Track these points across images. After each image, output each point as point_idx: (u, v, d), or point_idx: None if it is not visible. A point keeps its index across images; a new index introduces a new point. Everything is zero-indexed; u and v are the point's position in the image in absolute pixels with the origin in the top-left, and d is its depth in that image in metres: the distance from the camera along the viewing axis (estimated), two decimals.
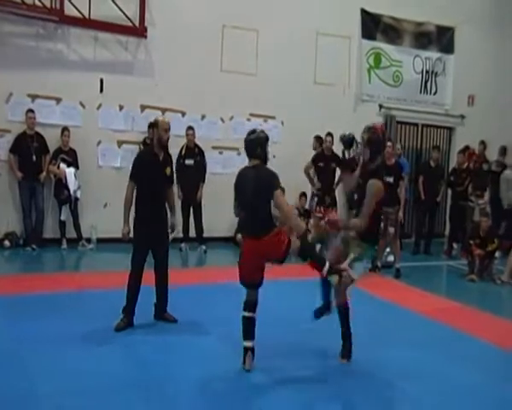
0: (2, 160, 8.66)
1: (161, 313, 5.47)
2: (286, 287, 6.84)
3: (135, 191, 5.20)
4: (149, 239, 5.21)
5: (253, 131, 4.44)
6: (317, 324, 4.92)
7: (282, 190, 4.39)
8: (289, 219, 4.45)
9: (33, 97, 8.77)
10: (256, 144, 4.38)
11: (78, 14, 8.75)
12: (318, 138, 9.76)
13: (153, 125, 5.38)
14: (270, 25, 10.19)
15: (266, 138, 4.42)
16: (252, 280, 4.43)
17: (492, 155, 11.75)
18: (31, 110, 8.65)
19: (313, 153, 9.29)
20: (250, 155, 4.42)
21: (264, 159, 4.42)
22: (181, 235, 9.36)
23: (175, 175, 8.64)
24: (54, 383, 3.99)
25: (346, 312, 4.71)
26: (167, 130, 5.25)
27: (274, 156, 10.07)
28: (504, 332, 5.96)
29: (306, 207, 10.31)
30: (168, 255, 5.44)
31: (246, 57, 10.13)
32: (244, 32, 10.03)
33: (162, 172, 5.28)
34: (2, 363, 4.24)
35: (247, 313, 4.43)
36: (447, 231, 11.18)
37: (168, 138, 5.28)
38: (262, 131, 4.47)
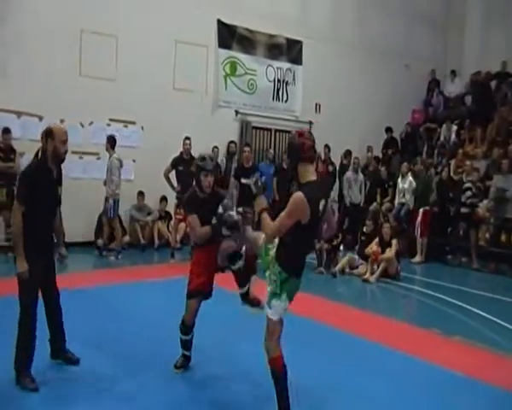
0: None
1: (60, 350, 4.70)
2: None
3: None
4: (42, 271, 4.31)
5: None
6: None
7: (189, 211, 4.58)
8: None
9: None
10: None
11: None
12: None
13: (47, 135, 4.27)
14: (129, 31, 10.36)
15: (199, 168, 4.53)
16: (211, 289, 4.61)
17: (336, 157, 12.87)
18: None
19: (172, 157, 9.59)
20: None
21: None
22: None
23: None
24: None
25: (282, 376, 3.65)
26: (65, 141, 4.34)
27: (134, 161, 10.52)
28: (343, 315, 6.81)
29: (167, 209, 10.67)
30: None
31: (105, 62, 10.19)
32: (103, 37, 10.09)
33: (55, 192, 4.49)
34: None
35: (187, 337, 4.67)
36: None
37: (66, 151, 4.37)
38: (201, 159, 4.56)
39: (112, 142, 9.37)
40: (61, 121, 8.51)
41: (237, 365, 4.90)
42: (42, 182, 4.23)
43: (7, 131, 8.94)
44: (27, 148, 9.27)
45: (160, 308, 6.43)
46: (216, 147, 11.63)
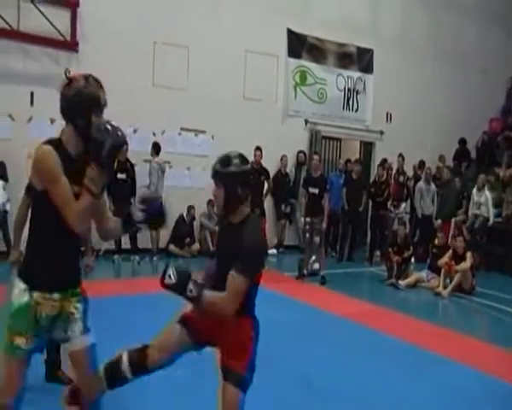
0: None
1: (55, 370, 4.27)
2: None
3: None
4: None
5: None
6: None
7: None
8: None
9: None
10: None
11: (6, 26, 8.75)
12: None
13: None
14: (200, 41, 10.52)
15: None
16: None
17: (408, 168, 12.54)
18: None
19: None
20: None
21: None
22: (113, 247, 9.51)
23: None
24: None
25: None
26: None
27: (203, 169, 10.66)
28: (414, 329, 6.57)
29: None
30: None
31: (177, 73, 10.40)
32: (175, 48, 10.31)
33: None
34: None
35: None
36: (369, 239, 11.85)
37: None
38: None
39: (156, 148, 9.78)
40: (52, 121, 8.54)
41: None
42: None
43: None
44: None
45: None
46: (285, 156, 11.62)
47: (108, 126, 2.52)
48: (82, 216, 2.52)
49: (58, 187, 2.51)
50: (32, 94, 9.18)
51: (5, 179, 8.76)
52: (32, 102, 9.20)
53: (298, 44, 12.08)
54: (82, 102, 2.57)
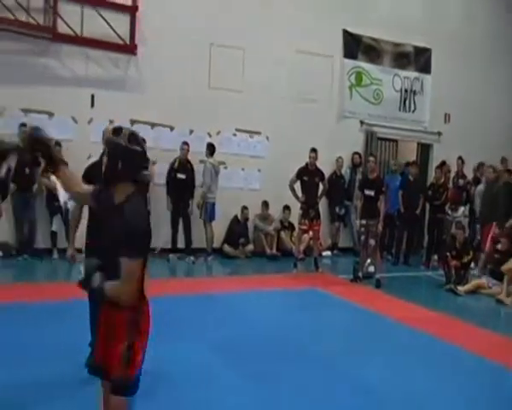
0: None
1: None
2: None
3: None
4: None
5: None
6: None
7: None
8: None
9: (26, 112, 9.00)
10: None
11: (71, 32, 9.05)
12: None
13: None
14: (255, 43, 10.55)
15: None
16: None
17: (468, 170, 12.17)
18: (23, 124, 8.86)
19: (297, 167, 9.58)
20: None
21: None
22: (169, 246, 9.68)
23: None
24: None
25: None
26: None
27: (259, 170, 10.72)
28: (475, 337, 6.36)
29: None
30: None
31: (233, 74, 10.46)
32: (231, 50, 10.38)
33: None
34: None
35: None
36: (426, 243, 11.56)
37: None
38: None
39: (211, 148, 9.85)
40: (111, 122, 8.59)
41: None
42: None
43: (142, 141, 9.47)
44: (159, 157, 9.81)
45: (282, 317, 6.46)
46: (340, 158, 11.52)
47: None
48: None
49: None
50: (92, 96, 9.45)
51: None
52: (92, 104, 9.47)
53: (353, 45, 11.94)
54: None
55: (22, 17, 8.67)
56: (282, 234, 10.87)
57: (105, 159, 2.78)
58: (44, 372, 4.37)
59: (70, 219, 4.39)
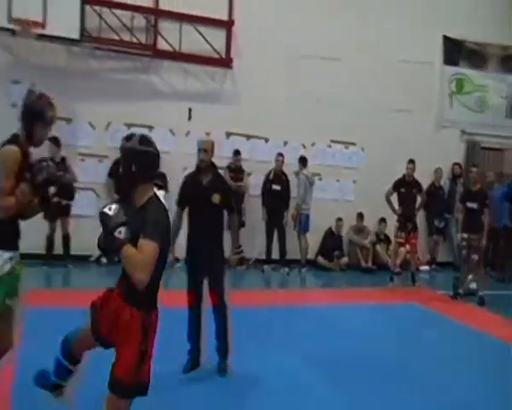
0: (101, 183, 9.33)
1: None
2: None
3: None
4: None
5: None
6: None
7: None
8: None
9: (129, 126, 9.41)
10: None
11: (170, 48, 9.39)
12: None
13: None
14: (350, 55, 10.40)
15: None
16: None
17: None
18: (126, 137, 9.29)
19: (394, 179, 9.31)
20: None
21: None
22: (264, 256, 9.73)
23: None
24: None
25: None
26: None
27: (354, 182, 10.55)
28: None
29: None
30: None
31: (327, 85, 10.35)
32: (325, 61, 10.27)
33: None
34: None
35: None
36: None
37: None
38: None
39: (303, 161, 9.82)
40: (207, 134, 8.95)
41: None
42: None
43: (237, 153, 9.65)
44: (254, 168, 9.92)
45: (378, 332, 6.27)
46: (439, 168, 11.08)
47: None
48: None
49: None
50: (189, 110, 9.73)
51: (166, 190, 9.36)
52: (189, 117, 9.76)
53: (454, 51, 11.47)
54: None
55: (126, 37, 9.12)
56: (378, 247, 10.61)
57: (120, 166, 2.93)
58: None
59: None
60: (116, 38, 9.01)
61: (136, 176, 2.84)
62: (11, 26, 8.14)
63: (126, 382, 2.72)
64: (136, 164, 2.83)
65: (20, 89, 8.76)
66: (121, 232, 2.67)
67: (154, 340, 2.85)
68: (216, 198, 4.76)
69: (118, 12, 8.99)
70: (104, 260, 9.14)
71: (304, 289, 9.19)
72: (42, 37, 8.34)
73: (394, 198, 9.21)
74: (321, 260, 10.28)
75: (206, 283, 4.78)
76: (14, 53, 8.75)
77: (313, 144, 10.53)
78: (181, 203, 4.97)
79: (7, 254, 3.08)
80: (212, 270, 4.76)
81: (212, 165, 5.00)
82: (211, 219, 4.76)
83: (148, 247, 2.66)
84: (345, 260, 10.42)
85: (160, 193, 9.15)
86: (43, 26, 8.21)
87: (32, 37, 8.30)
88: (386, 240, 10.65)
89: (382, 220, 10.48)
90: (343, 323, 6.63)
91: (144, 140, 2.92)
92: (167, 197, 9.21)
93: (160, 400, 3.68)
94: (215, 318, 4.79)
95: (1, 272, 3.05)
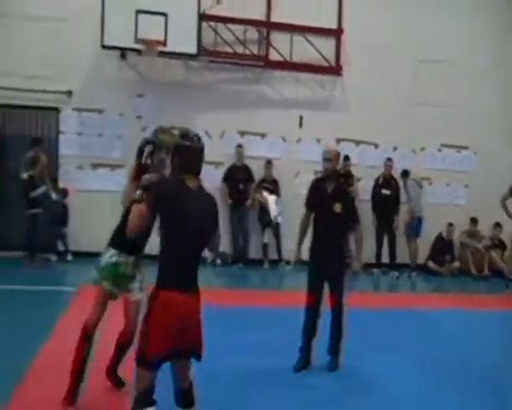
0: (216, 188, 9.86)
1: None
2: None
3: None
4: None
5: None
6: None
7: None
8: None
9: (242, 134, 9.93)
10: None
11: (281, 59, 9.77)
12: None
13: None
14: (458, 55, 10.24)
15: None
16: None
17: None
18: (240, 145, 9.82)
19: (509, 183, 9.02)
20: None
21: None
22: (373, 260, 9.81)
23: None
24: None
25: None
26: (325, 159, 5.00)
27: (466, 186, 10.32)
28: None
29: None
30: None
31: (438, 89, 10.20)
32: (436, 64, 10.16)
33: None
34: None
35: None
36: None
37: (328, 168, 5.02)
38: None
39: (406, 174, 9.86)
40: (317, 141, 9.34)
41: None
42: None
43: (347, 158, 9.81)
44: (364, 173, 10.05)
45: (493, 340, 6.19)
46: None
47: None
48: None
49: None
50: (300, 117, 10.05)
51: (278, 195, 9.74)
52: (300, 125, 10.07)
53: None
54: None
55: (239, 50, 9.62)
56: (493, 252, 10.29)
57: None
58: (259, 365, 4.92)
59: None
60: (230, 51, 9.54)
61: (180, 167, 3.05)
62: (137, 46, 8.89)
63: (138, 351, 2.97)
64: (178, 156, 3.07)
65: (142, 102, 9.62)
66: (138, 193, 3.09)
67: (165, 318, 2.87)
68: (337, 207, 4.90)
69: (232, 26, 9.52)
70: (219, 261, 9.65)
71: (413, 294, 9.15)
72: (163, 54, 9.01)
73: (510, 203, 8.95)
74: (431, 264, 10.18)
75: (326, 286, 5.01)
76: (140, 70, 9.55)
77: (423, 149, 10.46)
78: (309, 207, 5.17)
79: (112, 251, 3.88)
80: (333, 274, 4.98)
81: (337, 174, 5.23)
82: (333, 225, 4.93)
83: (135, 207, 3.06)
84: (456, 264, 10.24)
85: (272, 198, 9.64)
86: (164, 43, 8.88)
87: (155, 54, 9.01)
88: (501, 245, 10.31)
89: (497, 225, 10.17)
90: (454, 329, 6.57)
91: (184, 135, 3.15)
92: (279, 202, 9.61)
93: (271, 398, 3.95)
94: (332, 320, 4.98)
95: (108, 262, 3.88)
